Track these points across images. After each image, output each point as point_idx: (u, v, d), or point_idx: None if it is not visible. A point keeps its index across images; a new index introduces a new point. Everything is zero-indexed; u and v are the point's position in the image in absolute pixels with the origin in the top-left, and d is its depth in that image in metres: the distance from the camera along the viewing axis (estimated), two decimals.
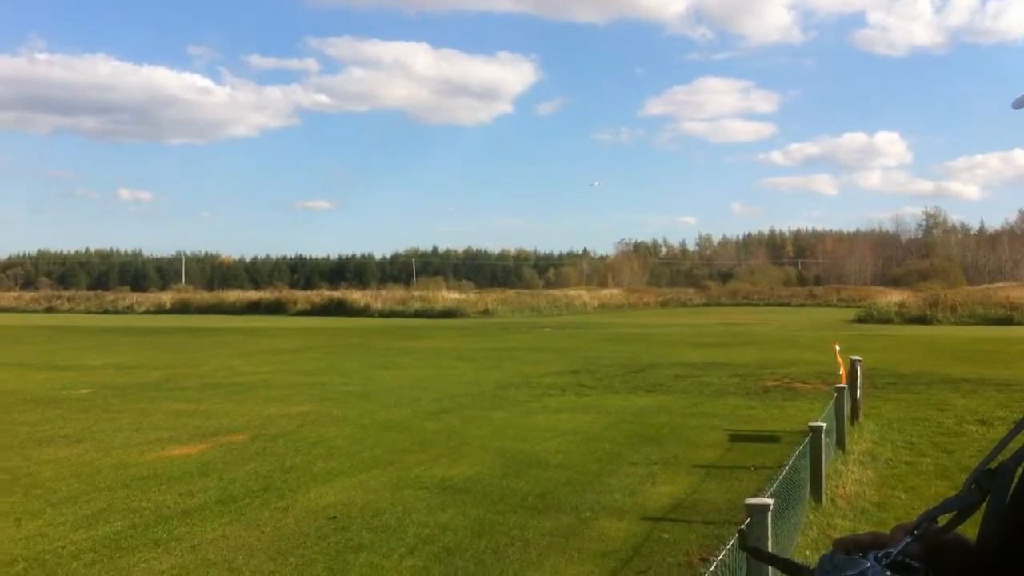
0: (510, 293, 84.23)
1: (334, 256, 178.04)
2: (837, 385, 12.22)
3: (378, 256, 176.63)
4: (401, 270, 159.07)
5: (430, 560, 7.30)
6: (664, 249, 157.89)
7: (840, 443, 11.51)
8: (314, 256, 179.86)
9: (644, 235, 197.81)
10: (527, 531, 8.12)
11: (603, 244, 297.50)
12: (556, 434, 13.27)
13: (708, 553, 7.32)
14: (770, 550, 5.12)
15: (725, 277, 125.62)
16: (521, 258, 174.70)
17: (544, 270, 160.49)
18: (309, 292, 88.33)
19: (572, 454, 11.76)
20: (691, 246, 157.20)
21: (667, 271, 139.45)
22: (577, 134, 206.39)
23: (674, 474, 10.55)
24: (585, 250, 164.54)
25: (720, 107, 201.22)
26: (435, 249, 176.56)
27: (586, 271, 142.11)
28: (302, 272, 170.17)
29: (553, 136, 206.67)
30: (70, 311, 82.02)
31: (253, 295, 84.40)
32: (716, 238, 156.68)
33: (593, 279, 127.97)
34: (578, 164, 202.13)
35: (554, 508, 8.94)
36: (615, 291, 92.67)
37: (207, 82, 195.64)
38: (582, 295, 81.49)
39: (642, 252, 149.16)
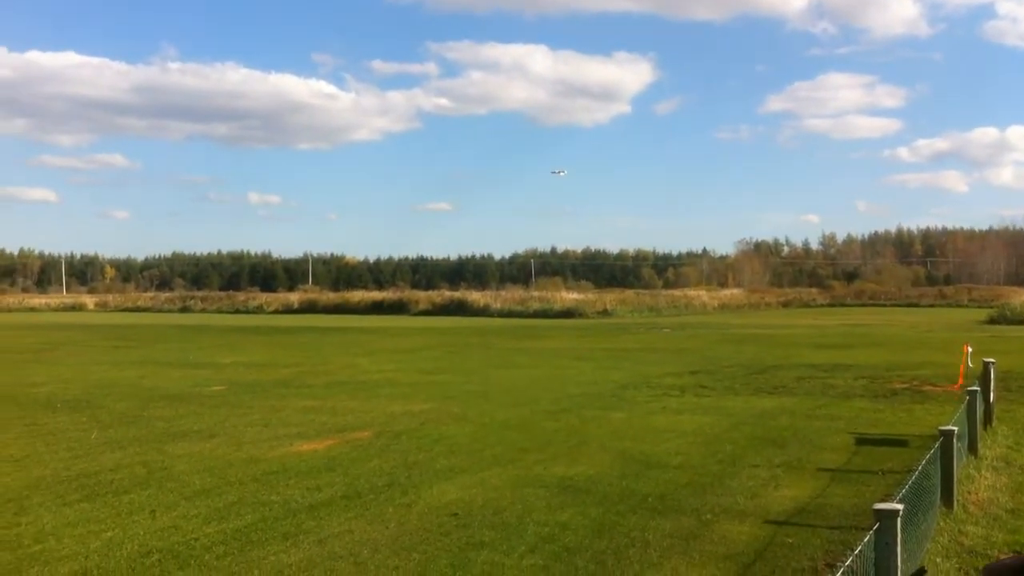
0: (629, 293, 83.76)
1: (454, 257, 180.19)
2: (968, 388, 11.82)
3: (497, 257, 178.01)
4: (520, 270, 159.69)
5: (550, 559, 7.36)
6: (786, 248, 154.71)
7: (972, 448, 11.15)
8: (435, 257, 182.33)
9: (765, 234, 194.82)
10: (647, 532, 8.10)
11: (723, 243, 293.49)
12: (676, 435, 13.18)
13: (834, 559, 7.20)
14: (898, 556, 5.02)
15: (850, 277, 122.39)
16: (640, 258, 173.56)
17: (663, 270, 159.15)
18: (430, 292, 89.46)
19: (692, 455, 11.67)
20: (814, 245, 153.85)
21: (789, 271, 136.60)
22: (696, 133, 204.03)
23: (797, 477, 10.38)
24: (705, 250, 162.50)
25: (843, 103, 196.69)
26: (553, 249, 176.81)
27: (706, 271, 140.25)
28: (423, 272, 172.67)
29: (671, 135, 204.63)
30: (203, 311, 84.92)
31: (376, 295, 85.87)
32: (840, 237, 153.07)
33: (713, 279, 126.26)
34: (697, 163, 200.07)
35: (674, 510, 8.90)
36: (735, 291, 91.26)
37: (332, 88, 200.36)
38: (701, 295, 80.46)
39: (763, 251, 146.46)
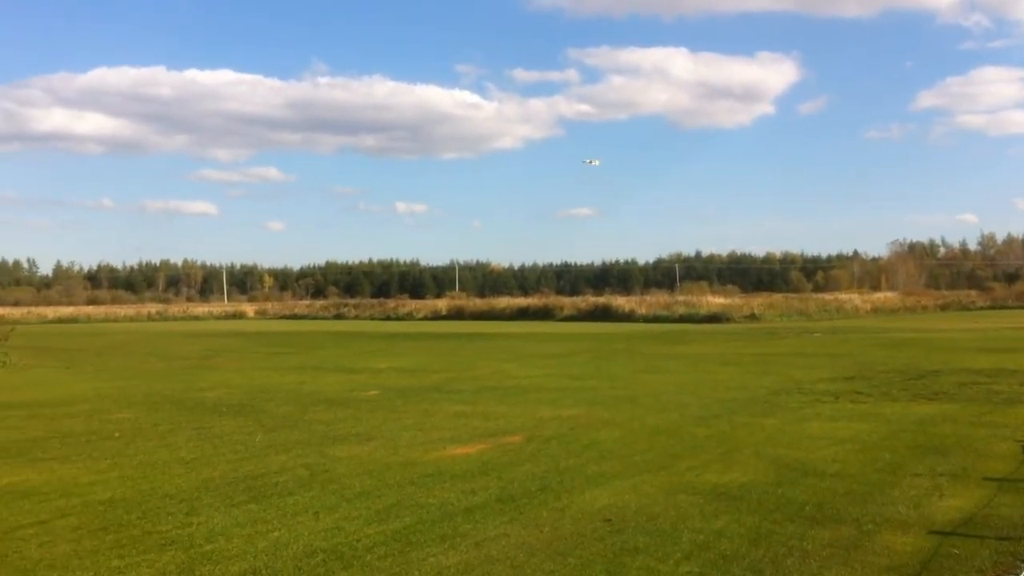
0: (777, 297, 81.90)
1: (598, 262, 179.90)
2: None
3: (641, 261, 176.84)
4: (664, 275, 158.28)
5: (706, 567, 7.31)
6: (942, 249, 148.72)
7: None
8: (579, 262, 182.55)
9: (920, 235, 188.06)
10: (805, 541, 7.96)
11: (875, 245, 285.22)
12: (831, 442, 12.87)
13: (1005, 571, 6.94)
14: None
15: (1011, 278, 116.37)
16: (788, 261, 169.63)
17: (812, 273, 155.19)
18: (575, 298, 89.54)
19: (849, 463, 11.38)
20: (972, 245, 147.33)
21: (946, 272, 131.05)
22: (843, 132, 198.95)
23: (962, 487, 10.00)
24: (856, 252, 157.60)
25: (999, 98, 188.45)
26: (698, 253, 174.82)
27: (857, 273, 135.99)
28: (567, 278, 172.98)
29: (817, 135, 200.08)
30: (356, 318, 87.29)
31: (522, 301, 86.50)
32: (1000, 236, 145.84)
33: (865, 282, 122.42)
34: (845, 163, 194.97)
35: (833, 519, 8.71)
36: (889, 294, 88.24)
37: (475, 98, 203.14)
38: (853, 298, 78.10)
39: (918, 253, 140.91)
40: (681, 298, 77.89)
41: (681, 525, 8.50)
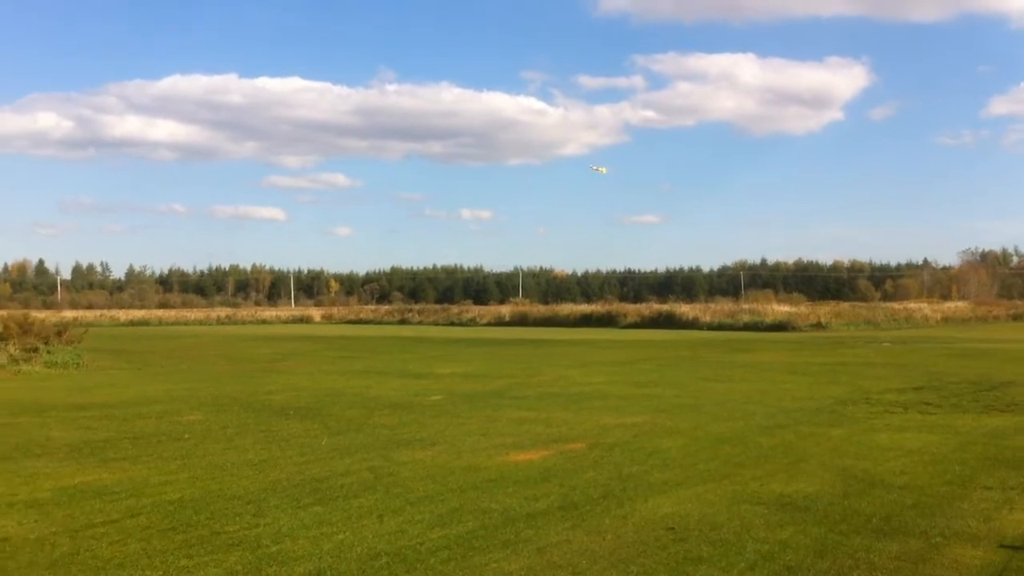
0: (844, 306, 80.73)
1: (662, 269, 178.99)
2: None
3: (706, 269, 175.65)
4: (729, 283, 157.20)
5: None
6: (1015, 258, 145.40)
7: None
8: (642, 270, 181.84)
9: (992, 243, 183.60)
10: (872, 554, 7.84)
11: (946, 254, 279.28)
12: (900, 454, 12.65)
13: None
14: None
15: None
16: (855, 269, 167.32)
17: (880, 282, 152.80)
18: (638, 305, 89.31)
19: (918, 475, 11.18)
20: None
21: (1019, 282, 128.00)
22: (914, 138, 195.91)
23: None
24: (925, 260, 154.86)
25: None
26: (764, 261, 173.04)
27: (927, 282, 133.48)
28: (631, 285, 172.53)
29: (888, 142, 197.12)
30: (420, 323, 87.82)
31: (585, 308, 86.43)
32: None
33: (935, 291, 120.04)
34: (916, 170, 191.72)
35: (900, 531, 8.56)
36: (960, 304, 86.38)
37: (541, 104, 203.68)
38: (923, 308, 76.51)
39: (990, 261, 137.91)
40: (746, 306, 77.18)
41: (745, 535, 8.42)
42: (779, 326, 62.50)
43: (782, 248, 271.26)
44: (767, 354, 35.92)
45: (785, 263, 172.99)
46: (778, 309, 72.02)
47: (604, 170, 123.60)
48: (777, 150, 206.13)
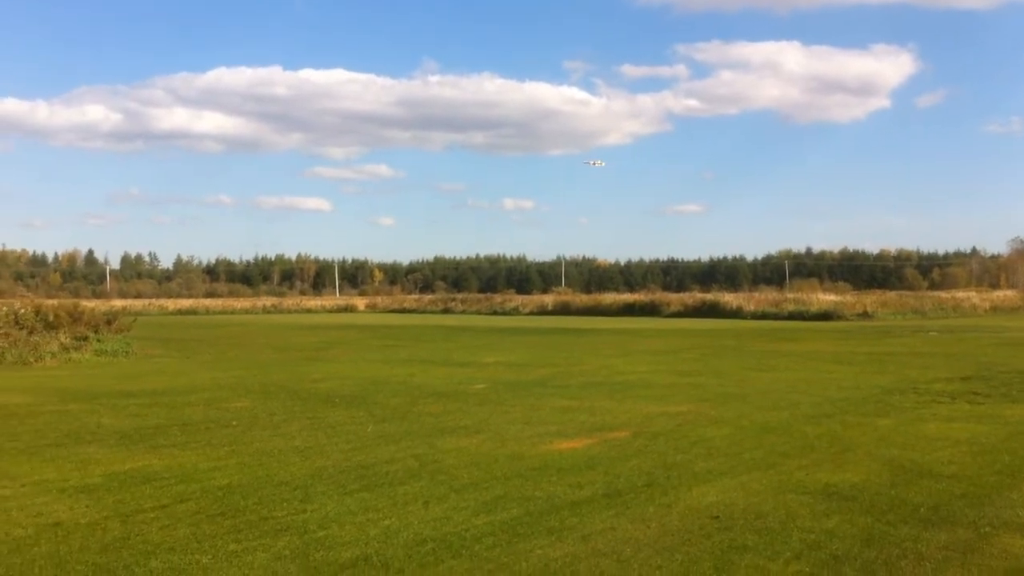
0: (890, 295, 79.65)
1: (705, 258, 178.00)
2: None
3: (749, 258, 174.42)
4: (773, 272, 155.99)
5: (817, 567, 7.21)
6: None
7: None
8: (685, 259, 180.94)
9: None
10: (920, 544, 7.78)
11: (995, 242, 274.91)
12: (948, 443, 12.51)
13: None
14: None
15: None
16: (902, 258, 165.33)
17: (927, 271, 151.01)
18: (681, 294, 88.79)
19: (966, 465, 11.05)
20: None
21: None
22: (962, 126, 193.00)
23: None
24: (974, 249, 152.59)
25: None
26: (809, 250, 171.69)
27: (975, 271, 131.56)
28: (674, 274, 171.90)
29: (935, 129, 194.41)
30: (463, 312, 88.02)
31: (628, 297, 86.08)
32: None
33: (983, 280, 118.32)
34: (964, 158, 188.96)
35: (949, 521, 8.48)
36: (1009, 293, 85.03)
37: (583, 94, 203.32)
38: (971, 297, 75.33)
39: None
40: (791, 295, 76.41)
41: (791, 524, 8.38)
42: (824, 315, 61.86)
43: (827, 237, 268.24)
44: (812, 343, 35.61)
45: (830, 252, 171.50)
46: (823, 298, 71.28)
47: (601, 163, 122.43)
48: (822, 139, 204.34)
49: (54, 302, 40.01)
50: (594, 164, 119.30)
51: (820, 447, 12.39)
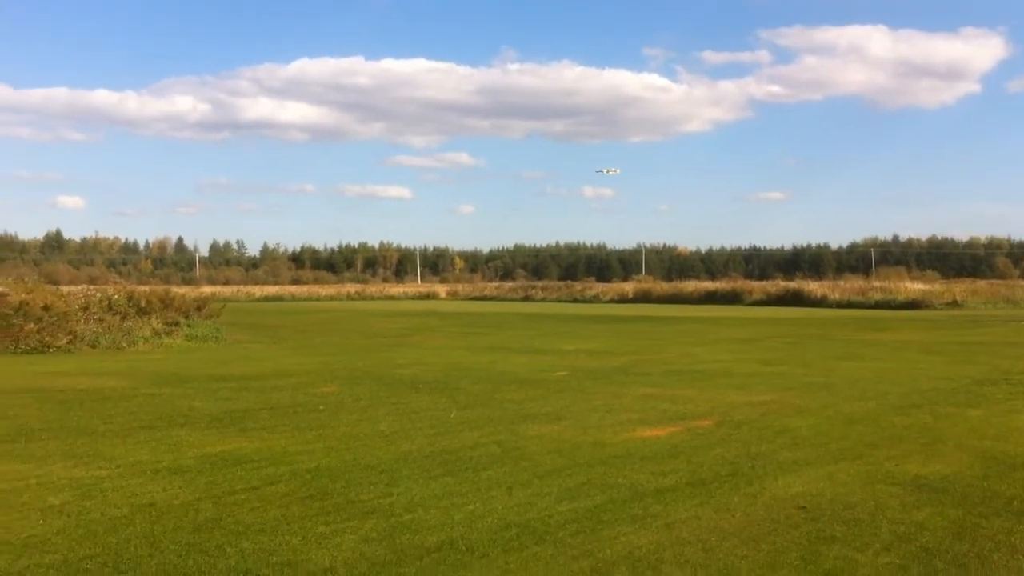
0: (981, 284, 77.69)
1: (788, 246, 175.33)
2: None
3: (834, 246, 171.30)
4: (859, 260, 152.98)
5: (907, 559, 7.10)
6: None
7: None
8: (768, 247, 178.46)
9: None
10: (1014, 536, 7.61)
11: None
12: None
13: None
14: None
15: None
16: (993, 246, 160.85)
17: (1020, 259, 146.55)
18: (764, 282, 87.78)
19: None
20: None
21: None
22: None
23: None
24: None
25: None
26: (895, 238, 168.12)
27: None
28: (756, 262, 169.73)
29: None
30: (543, 300, 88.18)
31: (709, 285, 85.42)
32: None
33: None
34: None
35: None
36: None
37: (664, 81, 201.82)
38: None
39: None
40: (877, 283, 74.96)
41: (880, 516, 8.26)
42: (912, 304, 60.60)
43: (915, 225, 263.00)
44: (900, 333, 34.90)
45: (918, 239, 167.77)
46: (911, 287, 69.86)
47: (616, 171, 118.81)
48: (909, 124, 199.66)
49: (146, 288, 41.04)
50: (607, 172, 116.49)
51: (909, 438, 12.17)
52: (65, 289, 37.09)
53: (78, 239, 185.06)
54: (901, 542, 7.50)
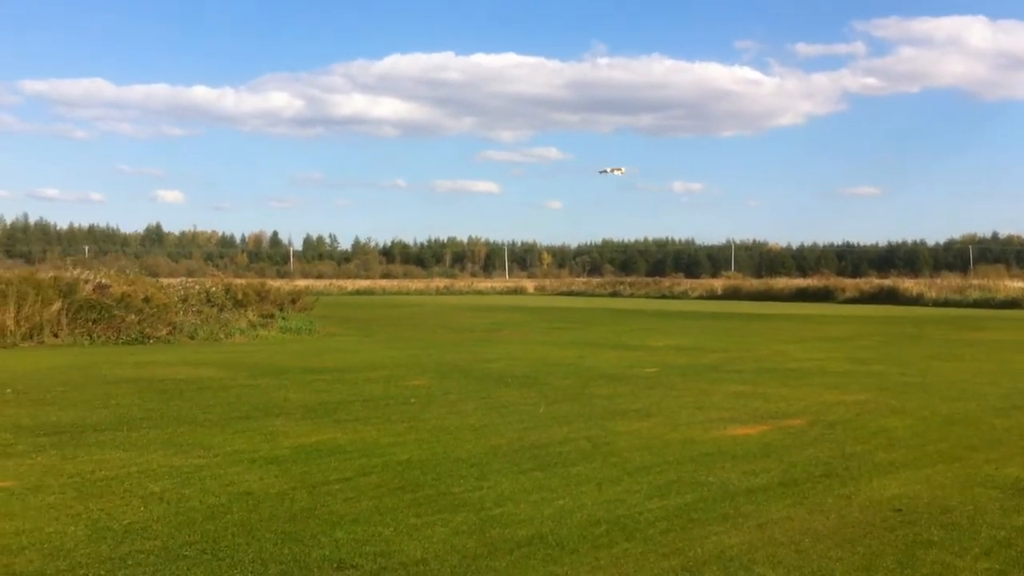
0: None
1: (882, 243, 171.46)
2: None
3: (930, 243, 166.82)
4: (956, 257, 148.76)
5: (1008, 564, 6.92)
6: None
7: None
8: (861, 243, 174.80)
9: None
10: None
11: None
12: None
13: None
14: None
15: None
16: None
17: None
18: (857, 280, 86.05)
19: None
20: None
21: None
22: None
23: None
24: None
25: None
26: (995, 235, 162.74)
27: None
28: (849, 259, 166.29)
29: None
30: (631, 296, 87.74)
31: (800, 282, 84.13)
32: None
33: None
34: None
35: None
36: None
37: (756, 74, 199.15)
38: None
39: None
40: (975, 282, 72.80)
41: (979, 520, 8.06)
42: (1012, 303, 58.80)
43: (1016, 221, 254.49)
44: (999, 332, 33.90)
45: (1018, 237, 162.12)
46: (1011, 285, 67.70)
47: (622, 171, 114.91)
48: (1010, 117, 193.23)
49: (242, 281, 42.02)
50: (612, 172, 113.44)
51: (1010, 440, 11.85)
52: (164, 281, 38.17)
53: (177, 232, 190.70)
54: (1001, 547, 7.31)
